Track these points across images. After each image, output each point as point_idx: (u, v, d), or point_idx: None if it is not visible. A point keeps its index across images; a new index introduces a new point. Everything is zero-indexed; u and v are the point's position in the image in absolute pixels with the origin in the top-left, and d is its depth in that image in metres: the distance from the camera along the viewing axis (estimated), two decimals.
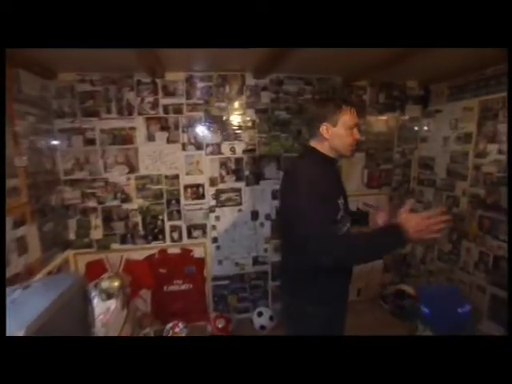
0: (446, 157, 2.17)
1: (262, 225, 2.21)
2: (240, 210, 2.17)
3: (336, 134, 1.02)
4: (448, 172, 2.15)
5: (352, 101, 0.90)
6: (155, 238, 2.11)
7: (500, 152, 1.78)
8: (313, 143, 1.06)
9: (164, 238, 2.13)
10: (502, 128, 1.76)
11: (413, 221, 0.86)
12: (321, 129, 1.02)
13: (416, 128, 2.37)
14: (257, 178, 2.14)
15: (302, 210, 0.88)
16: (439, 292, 1.87)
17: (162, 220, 2.11)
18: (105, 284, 1.52)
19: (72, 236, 1.99)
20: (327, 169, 1.03)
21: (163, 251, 2.13)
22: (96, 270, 1.91)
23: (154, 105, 1.99)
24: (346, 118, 1.00)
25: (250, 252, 2.26)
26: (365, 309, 2.32)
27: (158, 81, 1.98)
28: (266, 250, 2.28)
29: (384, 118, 2.30)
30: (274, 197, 2.18)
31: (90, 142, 1.94)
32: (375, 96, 2.26)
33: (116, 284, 1.52)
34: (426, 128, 2.34)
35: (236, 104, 2.07)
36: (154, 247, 2.10)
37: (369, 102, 2.25)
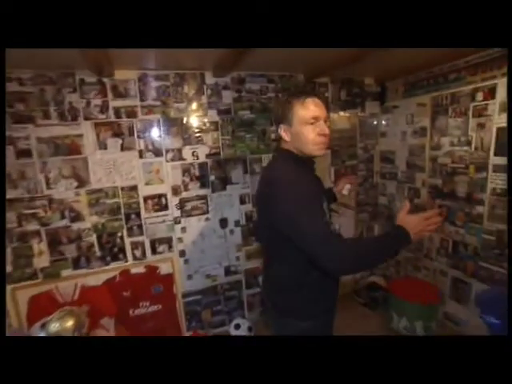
0: (405, 150, 2.28)
1: (231, 232, 2.17)
2: (207, 219, 2.10)
3: (294, 134, 0.96)
4: (408, 165, 2.26)
5: (308, 91, 0.93)
6: (115, 259, 1.95)
7: (452, 144, 1.92)
8: (284, 145, 1.02)
9: (125, 257, 1.98)
10: (452, 122, 1.90)
11: (412, 222, 0.88)
12: (279, 132, 0.99)
13: (375, 123, 2.47)
14: (223, 183, 2.09)
15: (297, 218, 0.82)
16: (493, 295, 1.59)
17: (122, 237, 1.96)
18: (55, 326, 1.27)
19: (8, 268, 1.73)
20: (305, 170, 0.98)
21: (125, 272, 1.97)
22: (43, 305, 1.70)
23: (103, 108, 1.82)
24: (301, 113, 0.93)
25: (222, 262, 2.21)
26: (341, 305, 2.39)
27: (105, 80, 1.81)
28: (238, 259, 2.24)
29: (346, 114, 2.37)
30: (242, 201, 2.15)
31: (25, 153, 1.70)
32: (337, 93, 2.32)
33: (69, 324, 1.29)
34: (384, 123, 2.44)
35: (196, 105, 1.99)
36: (113, 269, 1.94)
37: (331, 99, 2.30)
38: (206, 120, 1.99)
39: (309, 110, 0.92)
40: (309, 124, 0.92)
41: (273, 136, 2.13)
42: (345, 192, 1.32)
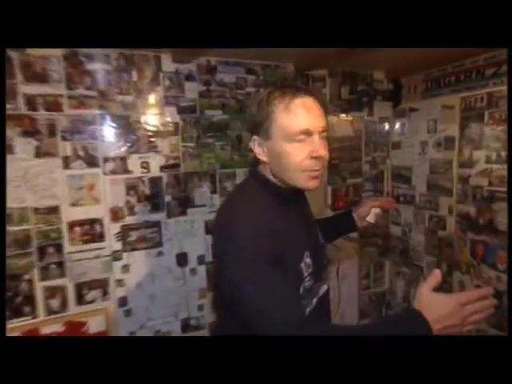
0: (425, 166, 2.16)
1: (193, 272, 1.94)
2: (160, 254, 1.87)
3: (273, 153, 0.80)
4: (429, 185, 2.15)
5: (297, 86, 0.83)
6: (17, 314, 1.61)
7: (489, 160, 1.79)
8: (260, 166, 0.87)
9: (34, 311, 1.64)
10: (489, 131, 1.77)
11: (440, 308, 0.67)
12: (251, 147, 0.84)
13: (387, 130, 2.38)
14: (183, 205, 1.88)
15: (239, 286, 0.70)
16: None
17: (30, 281, 1.63)
18: None
19: None
20: (286, 211, 0.84)
21: (32, 332, 1.62)
22: None
23: (9, 94, 1.54)
24: (284, 122, 0.77)
25: (178, 313, 1.94)
26: None
27: (12, 54, 1.51)
28: (201, 308, 1.97)
29: (349, 118, 2.24)
30: (208, 230, 1.92)
31: None
32: (337, 89, 2.18)
33: None
34: (398, 131, 2.35)
35: (149, 98, 1.77)
36: (14, 328, 1.59)
37: (329, 98, 2.14)
38: (161, 120, 1.81)
39: (297, 118, 0.76)
40: (295, 141, 0.77)
41: (251, 145, 1.92)
42: (370, 219, 1.22)
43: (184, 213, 1.88)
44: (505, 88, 1.68)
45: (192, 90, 1.83)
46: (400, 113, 2.32)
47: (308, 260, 0.84)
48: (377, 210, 1.23)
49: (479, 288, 0.72)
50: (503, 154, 1.71)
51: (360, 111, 2.27)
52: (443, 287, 2.07)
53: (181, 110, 1.82)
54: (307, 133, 0.77)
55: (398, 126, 2.35)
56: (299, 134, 0.77)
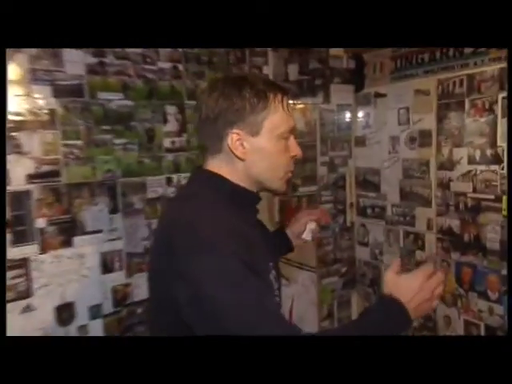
0: (396, 169, 2.21)
1: (82, 330, 1.79)
2: (29, 309, 1.67)
3: (258, 150, 0.94)
4: (402, 193, 2.20)
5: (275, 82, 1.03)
6: None
7: (472, 160, 1.84)
8: (213, 166, 0.98)
9: None
10: (471, 123, 1.83)
11: (409, 286, 0.87)
12: (228, 140, 0.93)
13: (348, 122, 2.43)
14: (66, 232, 1.73)
15: (220, 303, 0.79)
16: None
17: None
18: None
19: None
20: (245, 216, 0.97)
21: None
22: None
23: None
24: (278, 119, 0.94)
25: None
26: None
27: None
28: None
29: (298, 106, 2.27)
30: (107, 267, 1.79)
31: None
32: (282, 68, 2.20)
33: None
34: (362, 122, 2.40)
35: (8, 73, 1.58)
36: None
37: (273, 79, 2.13)
38: (27, 105, 1.64)
39: (288, 116, 0.96)
40: (283, 138, 0.96)
41: (170, 142, 1.93)
42: (306, 236, 1.35)
43: (68, 243, 1.73)
44: (487, 69, 1.75)
45: (77, 61, 1.70)
46: (364, 99, 2.37)
47: (274, 272, 0.97)
48: (313, 226, 1.34)
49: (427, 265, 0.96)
50: (489, 152, 1.77)
51: (313, 97, 2.28)
52: (426, 326, 2.15)
53: (59, 92, 1.69)
54: (291, 131, 0.97)
55: (361, 116, 2.39)
56: (288, 131, 0.95)
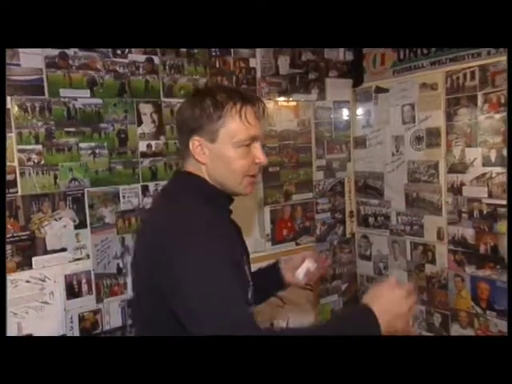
0: (401, 172, 2.21)
1: None
2: None
3: (215, 156, 1.10)
4: (408, 200, 2.19)
5: (243, 92, 1.15)
6: None
7: (486, 162, 1.83)
8: (187, 167, 1.16)
9: None
10: (485, 121, 1.82)
11: (388, 298, 1.01)
12: (190, 145, 1.11)
13: (346, 120, 2.43)
14: (22, 252, 1.69)
15: (203, 293, 0.93)
16: None
17: None
18: None
19: None
20: (219, 214, 1.12)
21: None
22: None
23: None
24: (234, 127, 1.08)
25: None
26: None
27: None
28: None
29: (291, 103, 2.26)
30: (74, 292, 1.73)
31: None
32: (271, 61, 2.18)
33: None
34: (362, 121, 2.40)
35: None
36: None
37: (260, 74, 2.14)
38: None
39: (247, 125, 1.08)
40: (242, 146, 1.08)
41: (145, 146, 1.93)
42: (300, 276, 1.41)
43: (26, 265, 1.66)
44: (502, 59, 1.73)
45: (35, 53, 1.64)
46: (363, 95, 2.37)
47: (246, 268, 1.16)
48: (310, 265, 1.38)
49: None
50: (505, 152, 1.75)
51: (306, 93, 2.27)
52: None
53: (14, 89, 1.63)
54: (254, 139, 1.09)
55: (360, 114, 2.40)
56: (247, 140, 1.08)
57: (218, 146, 1.10)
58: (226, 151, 1.10)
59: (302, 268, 1.39)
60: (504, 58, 1.73)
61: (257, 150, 1.12)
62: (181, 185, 1.17)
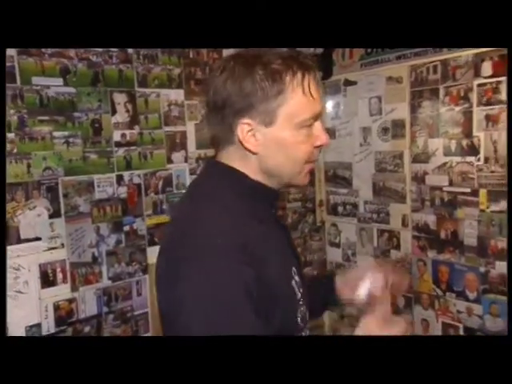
0: (368, 162, 2.24)
1: None
2: None
3: (273, 142, 0.89)
4: (375, 189, 2.23)
5: (300, 56, 0.89)
6: None
7: (448, 151, 1.89)
8: (226, 159, 0.94)
9: None
10: (446, 112, 1.88)
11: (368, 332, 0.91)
12: (238, 132, 0.88)
13: None
14: None
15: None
16: None
17: None
18: None
19: None
20: (268, 217, 0.97)
21: None
22: None
23: None
24: (298, 103, 0.86)
25: None
26: None
27: None
28: None
29: None
30: (49, 281, 1.71)
31: None
32: (237, 50, 2.14)
33: None
34: (331, 113, 2.41)
35: None
36: None
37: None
38: None
39: (311, 100, 0.88)
40: (305, 126, 0.89)
41: (120, 135, 1.89)
42: (361, 294, 1.11)
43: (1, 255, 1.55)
44: (462, 54, 1.79)
45: None
46: (332, 87, 2.38)
47: (297, 278, 0.94)
48: (377, 282, 1.05)
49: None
50: (464, 142, 1.81)
51: None
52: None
53: None
54: (317, 117, 0.88)
55: (330, 105, 2.40)
56: (312, 118, 0.87)
57: (276, 129, 0.87)
58: (286, 135, 0.88)
59: (364, 286, 1.07)
60: (464, 54, 1.78)
61: (318, 131, 0.90)
62: (218, 182, 0.94)
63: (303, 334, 0.95)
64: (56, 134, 1.69)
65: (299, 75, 0.84)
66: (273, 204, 1.01)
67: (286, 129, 0.86)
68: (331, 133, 2.40)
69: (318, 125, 0.89)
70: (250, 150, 0.88)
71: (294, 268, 0.94)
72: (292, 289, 0.90)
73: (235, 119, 0.86)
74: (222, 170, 0.94)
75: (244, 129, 0.86)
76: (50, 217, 1.69)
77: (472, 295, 1.84)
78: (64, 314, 1.71)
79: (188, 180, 1.95)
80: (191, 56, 1.91)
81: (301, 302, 0.92)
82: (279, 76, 0.83)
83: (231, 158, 0.91)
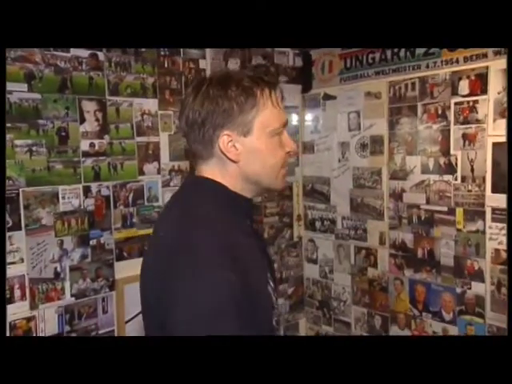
0: (346, 178, 2.25)
1: None
2: None
3: (251, 151, 0.99)
4: (352, 204, 2.24)
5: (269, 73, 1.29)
6: None
7: (425, 169, 1.89)
8: (207, 172, 1.03)
9: None
10: (424, 129, 1.89)
11: None
12: (220, 143, 0.98)
13: (295, 126, 2.45)
14: None
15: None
16: None
17: None
18: None
19: None
20: (246, 225, 1.06)
21: None
22: None
23: None
24: (268, 114, 0.98)
25: None
26: None
27: None
28: None
29: None
30: (6, 298, 1.60)
31: None
32: (221, 63, 2.19)
33: None
34: (310, 127, 2.42)
35: None
36: None
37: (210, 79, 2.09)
38: None
39: (279, 110, 1.01)
40: (276, 135, 1.00)
41: (88, 144, 1.84)
42: None
43: None
44: (439, 72, 1.81)
45: None
46: (312, 101, 2.39)
47: (271, 283, 1.02)
48: None
49: None
50: (442, 161, 1.81)
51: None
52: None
53: None
54: (284, 125, 1.00)
55: (309, 119, 2.42)
56: (281, 127, 0.99)
57: (253, 138, 0.98)
58: (262, 143, 0.98)
59: None
60: (441, 71, 1.81)
61: (287, 139, 1.02)
62: (202, 196, 1.02)
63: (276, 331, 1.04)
64: (18, 142, 1.64)
65: (267, 90, 0.96)
66: (248, 214, 1.08)
67: (261, 137, 0.96)
68: (310, 147, 2.42)
69: (285, 133, 1.01)
70: (231, 160, 0.97)
71: (268, 274, 1.02)
72: (268, 294, 0.98)
73: (216, 133, 0.95)
74: (204, 183, 1.02)
75: (225, 140, 0.95)
76: (9, 230, 1.62)
77: (448, 316, 1.83)
78: (21, 334, 1.61)
79: (160, 192, 1.88)
80: (166, 65, 1.86)
81: (275, 306, 1.02)
82: (251, 92, 0.93)
83: (212, 170, 1.00)
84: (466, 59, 1.74)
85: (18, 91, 1.63)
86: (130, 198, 1.81)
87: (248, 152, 0.98)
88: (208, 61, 2.08)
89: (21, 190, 1.65)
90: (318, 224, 2.41)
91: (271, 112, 0.97)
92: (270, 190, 1.12)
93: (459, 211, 1.79)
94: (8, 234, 1.64)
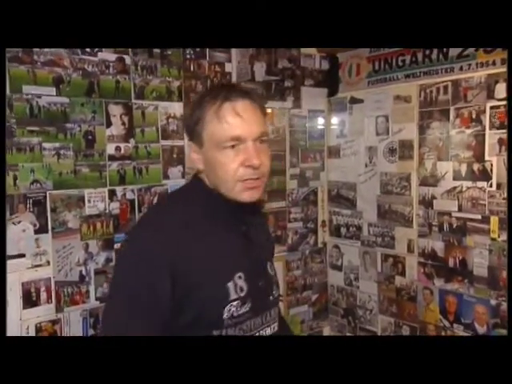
0: (373, 183, 2.22)
1: None
2: None
3: (206, 161, 1.05)
4: (380, 211, 2.20)
5: (233, 87, 1.05)
6: None
7: (457, 176, 1.84)
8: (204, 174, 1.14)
9: None
10: (456, 135, 1.83)
11: None
12: (190, 154, 1.13)
13: (321, 129, 2.44)
14: None
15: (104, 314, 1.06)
16: None
17: None
18: None
19: None
20: (218, 222, 1.06)
21: None
22: None
23: None
24: (214, 128, 1.01)
25: None
26: None
27: None
28: None
29: (266, 110, 2.21)
30: (31, 301, 1.63)
31: None
32: (247, 66, 2.17)
33: None
34: (336, 130, 2.40)
35: None
36: None
37: (236, 79, 2.13)
38: None
39: (226, 124, 1.00)
40: (227, 148, 1.00)
41: (114, 148, 1.89)
42: None
43: None
44: (474, 75, 1.76)
45: None
46: (338, 105, 2.37)
47: (241, 282, 1.02)
48: None
49: None
50: (476, 167, 1.75)
51: (282, 100, 2.27)
52: None
53: None
54: (239, 139, 0.97)
55: (335, 123, 2.40)
56: (229, 141, 0.97)
57: (205, 150, 1.02)
58: (213, 155, 1.01)
59: None
60: (476, 74, 1.75)
61: (247, 152, 0.98)
62: (182, 186, 1.18)
63: (229, 331, 1.02)
64: (46, 145, 1.64)
65: (217, 103, 0.98)
66: (233, 214, 1.07)
67: (210, 150, 1.00)
68: (336, 151, 2.40)
69: (248, 146, 0.97)
70: (198, 168, 1.07)
71: (241, 273, 1.03)
72: (225, 290, 0.99)
73: (189, 141, 1.09)
74: (190, 183, 1.16)
75: (191, 149, 1.07)
76: (36, 232, 1.63)
77: (481, 329, 1.76)
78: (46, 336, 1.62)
79: None
80: (192, 69, 1.86)
81: (235, 303, 1.01)
82: (203, 105, 1.00)
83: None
84: (503, 61, 1.66)
85: (46, 95, 1.64)
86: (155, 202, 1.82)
87: (204, 162, 1.04)
88: (234, 64, 2.08)
89: (48, 192, 1.65)
90: (343, 230, 2.38)
91: (215, 126, 0.98)
92: (236, 200, 1.03)
93: (494, 219, 1.72)
94: (35, 236, 1.64)
